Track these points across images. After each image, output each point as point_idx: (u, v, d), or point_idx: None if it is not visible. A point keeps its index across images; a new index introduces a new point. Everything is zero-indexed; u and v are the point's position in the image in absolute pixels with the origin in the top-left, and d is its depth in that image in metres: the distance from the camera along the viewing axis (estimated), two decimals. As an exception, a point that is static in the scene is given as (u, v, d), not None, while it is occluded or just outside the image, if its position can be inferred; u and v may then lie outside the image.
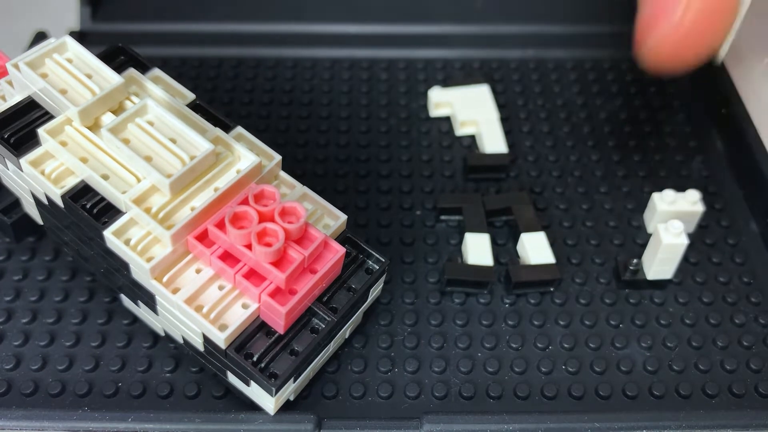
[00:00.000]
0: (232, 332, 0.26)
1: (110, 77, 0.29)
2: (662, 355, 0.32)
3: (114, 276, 0.30)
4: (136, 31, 0.47)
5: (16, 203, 0.33)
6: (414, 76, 0.45)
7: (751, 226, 0.38)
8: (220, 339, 0.26)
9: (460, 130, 0.42)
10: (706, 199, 0.38)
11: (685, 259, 0.36)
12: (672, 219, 0.34)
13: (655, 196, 0.36)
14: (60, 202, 0.28)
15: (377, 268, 0.30)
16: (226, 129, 0.31)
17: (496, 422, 0.29)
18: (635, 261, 0.34)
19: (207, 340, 0.27)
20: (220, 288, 0.27)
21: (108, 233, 0.27)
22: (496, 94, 0.44)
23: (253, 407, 0.29)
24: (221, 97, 0.43)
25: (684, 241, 0.33)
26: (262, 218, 0.27)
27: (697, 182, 0.39)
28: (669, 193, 0.36)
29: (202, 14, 0.48)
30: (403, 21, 0.48)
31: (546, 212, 0.38)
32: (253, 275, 0.27)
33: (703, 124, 0.43)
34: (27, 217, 0.34)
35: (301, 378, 0.28)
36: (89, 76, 0.29)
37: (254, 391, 0.28)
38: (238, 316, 0.27)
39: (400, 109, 0.43)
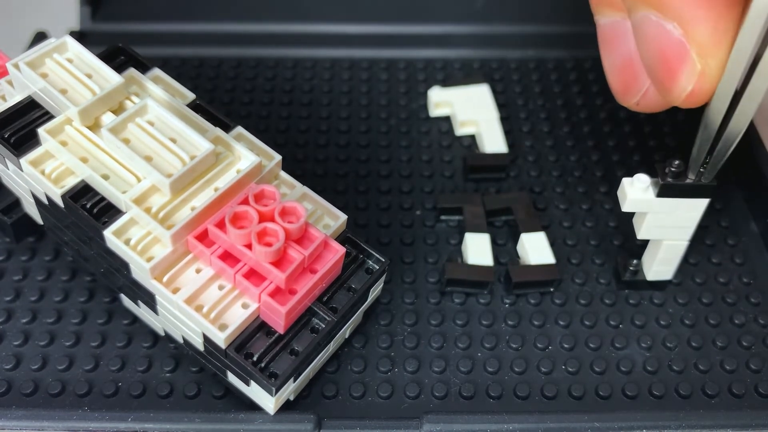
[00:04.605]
0: (232, 332, 0.26)
1: (110, 77, 0.29)
2: (662, 356, 0.32)
3: (114, 276, 0.30)
4: (136, 31, 0.47)
5: (16, 203, 0.33)
6: (414, 76, 0.45)
7: (751, 226, 0.38)
8: (220, 339, 0.26)
9: (460, 130, 0.42)
10: (706, 199, 0.38)
11: (685, 259, 0.36)
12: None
13: (625, 182, 0.31)
14: (60, 202, 0.28)
15: (377, 268, 0.30)
16: (226, 129, 0.31)
17: (496, 422, 0.29)
18: (635, 262, 0.34)
19: (207, 340, 0.27)
20: (220, 288, 0.27)
21: (108, 233, 0.27)
22: (496, 94, 0.44)
23: (253, 407, 0.29)
24: (221, 97, 0.43)
25: (685, 242, 0.33)
26: (262, 218, 0.27)
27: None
28: (642, 178, 0.31)
29: (202, 14, 0.48)
30: (403, 21, 0.48)
31: (546, 212, 0.38)
32: (253, 275, 0.27)
33: (703, 125, 0.43)
34: (27, 217, 0.34)
35: (301, 378, 0.28)
36: (89, 76, 0.29)
37: (254, 391, 0.28)
38: (238, 316, 0.27)
39: (400, 109, 0.43)
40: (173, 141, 0.28)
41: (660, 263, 0.33)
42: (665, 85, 0.26)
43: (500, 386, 0.31)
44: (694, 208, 0.31)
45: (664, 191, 0.30)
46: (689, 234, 0.32)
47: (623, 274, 0.34)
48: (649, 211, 0.31)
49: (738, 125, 0.27)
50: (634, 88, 0.29)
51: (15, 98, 0.30)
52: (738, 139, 0.28)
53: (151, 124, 0.28)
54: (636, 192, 0.30)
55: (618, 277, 0.35)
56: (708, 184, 0.30)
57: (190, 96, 0.32)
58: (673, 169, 0.29)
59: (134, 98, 0.30)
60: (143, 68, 0.32)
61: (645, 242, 0.34)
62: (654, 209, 0.31)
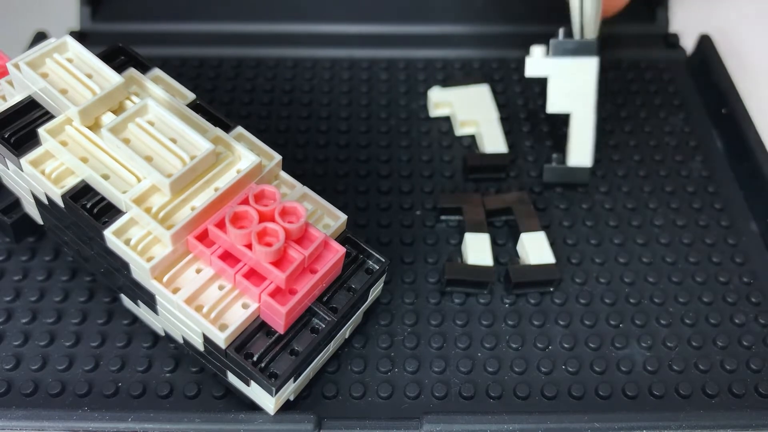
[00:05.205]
0: (232, 332, 0.26)
1: (110, 77, 0.29)
2: (662, 355, 0.32)
3: (114, 276, 0.30)
4: (136, 31, 0.47)
5: (16, 203, 0.33)
6: (414, 76, 0.45)
7: (751, 226, 0.38)
8: (220, 339, 0.26)
9: (460, 130, 0.42)
10: (707, 198, 0.38)
11: (685, 258, 0.36)
12: None
13: (528, 56, 0.37)
14: (60, 202, 0.28)
15: (377, 268, 0.30)
16: (226, 129, 0.31)
17: (496, 422, 0.29)
18: (555, 155, 0.38)
19: (207, 340, 0.27)
20: (220, 288, 0.27)
21: (108, 233, 0.27)
22: (496, 94, 0.44)
23: (253, 407, 0.29)
24: (221, 97, 0.43)
25: (591, 118, 0.36)
26: (263, 218, 0.27)
27: (697, 182, 0.39)
28: (540, 47, 0.37)
29: (202, 14, 0.48)
30: (403, 21, 0.48)
31: (546, 212, 0.38)
32: (253, 275, 0.27)
33: (703, 124, 0.43)
34: (27, 217, 0.34)
35: (301, 378, 0.28)
36: (89, 76, 0.29)
37: (254, 391, 0.28)
38: (238, 316, 0.27)
39: (400, 109, 0.43)
40: (173, 141, 0.28)
41: (575, 144, 0.37)
42: None
43: (500, 386, 0.31)
44: (588, 69, 0.37)
45: (555, 50, 0.37)
46: (591, 103, 0.37)
47: (550, 167, 0.38)
48: (548, 75, 0.37)
49: None
50: None
51: (15, 98, 0.30)
52: None
53: (151, 124, 0.28)
54: (536, 57, 0.37)
55: (541, 175, 0.38)
56: (590, 39, 0.37)
57: (190, 96, 0.32)
58: (561, 31, 0.37)
59: (134, 98, 0.30)
60: (143, 68, 0.32)
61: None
62: (551, 71, 0.37)
